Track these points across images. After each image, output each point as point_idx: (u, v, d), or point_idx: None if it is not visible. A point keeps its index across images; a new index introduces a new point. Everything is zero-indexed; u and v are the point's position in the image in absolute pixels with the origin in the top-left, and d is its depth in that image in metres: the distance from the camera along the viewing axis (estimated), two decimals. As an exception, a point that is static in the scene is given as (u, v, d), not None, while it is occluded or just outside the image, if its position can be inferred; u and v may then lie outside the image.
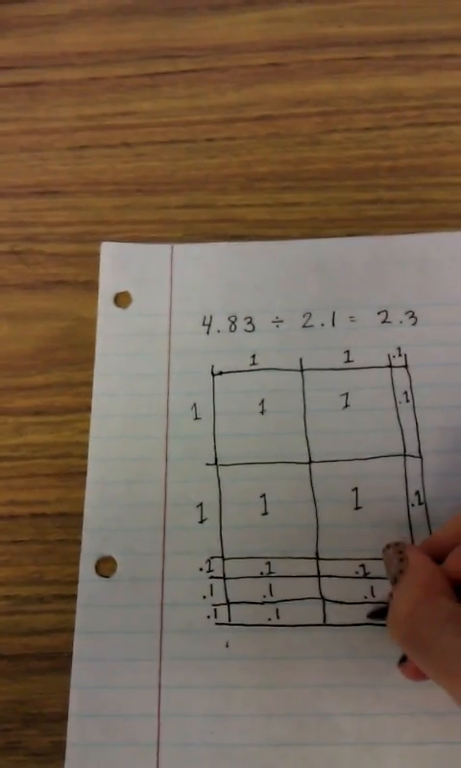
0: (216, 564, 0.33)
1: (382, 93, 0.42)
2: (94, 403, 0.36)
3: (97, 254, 0.39)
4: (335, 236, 0.39)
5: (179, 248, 0.39)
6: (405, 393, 0.35)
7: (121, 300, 0.38)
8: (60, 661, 0.32)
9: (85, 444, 0.35)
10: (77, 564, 0.33)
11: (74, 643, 0.32)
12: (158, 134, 0.42)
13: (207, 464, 0.35)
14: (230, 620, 0.32)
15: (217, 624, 0.32)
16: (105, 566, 0.33)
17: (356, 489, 0.34)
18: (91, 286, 0.39)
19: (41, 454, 0.35)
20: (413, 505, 0.33)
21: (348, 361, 0.36)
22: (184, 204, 0.40)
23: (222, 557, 0.33)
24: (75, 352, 0.37)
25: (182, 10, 0.46)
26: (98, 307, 0.38)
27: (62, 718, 0.31)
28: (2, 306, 0.39)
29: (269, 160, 0.41)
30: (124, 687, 0.31)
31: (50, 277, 0.39)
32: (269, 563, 0.33)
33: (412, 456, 0.34)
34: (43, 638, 0.32)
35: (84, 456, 0.35)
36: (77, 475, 0.35)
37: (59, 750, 0.30)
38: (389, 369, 0.36)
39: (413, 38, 0.44)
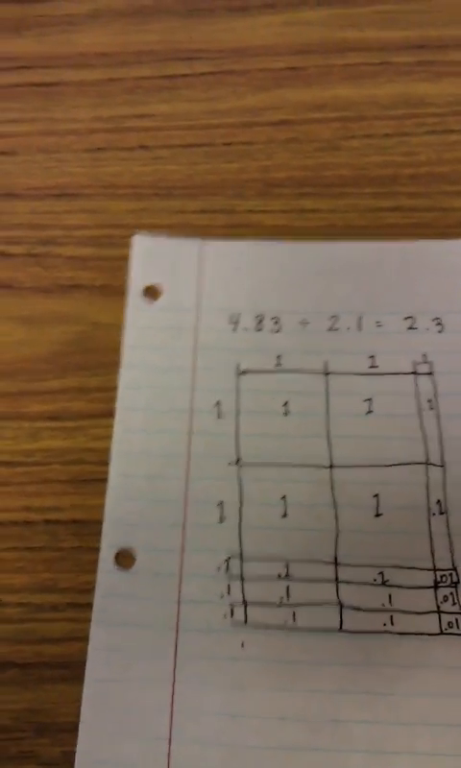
0: (234, 563, 0.33)
1: (402, 99, 0.42)
2: (119, 394, 0.36)
3: (114, 258, 0.39)
4: (356, 243, 0.38)
5: (209, 243, 0.39)
6: (429, 400, 0.35)
7: (150, 293, 0.38)
8: (73, 671, 0.32)
9: (100, 451, 0.35)
10: (91, 571, 0.33)
11: (90, 633, 0.32)
12: (176, 138, 0.42)
13: (229, 463, 0.34)
14: (246, 621, 0.32)
15: (233, 624, 0.32)
16: (124, 559, 0.33)
17: (377, 495, 0.34)
18: (108, 290, 0.39)
19: (56, 460, 0.35)
20: (434, 514, 0.33)
21: (372, 366, 0.36)
22: (201, 208, 0.40)
23: (240, 557, 0.33)
24: (90, 357, 0.37)
25: (201, 11, 0.46)
26: (127, 299, 0.38)
27: (74, 728, 0.31)
28: (18, 309, 0.38)
29: (287, 166, 0.41)
30: (138, 680, 0.31)
31: (66, 281, 0.39)
32: (287, 565, 0.33)
33: (434, 465, 0.34)
34: (56, 647, 0.32)
35: (99, 463, 0.35)
36: (91, 482, 0.35)
37: (69, 760, 0.30)
38: (414, 375, 0.36)
39: (434, 44, 0.43)
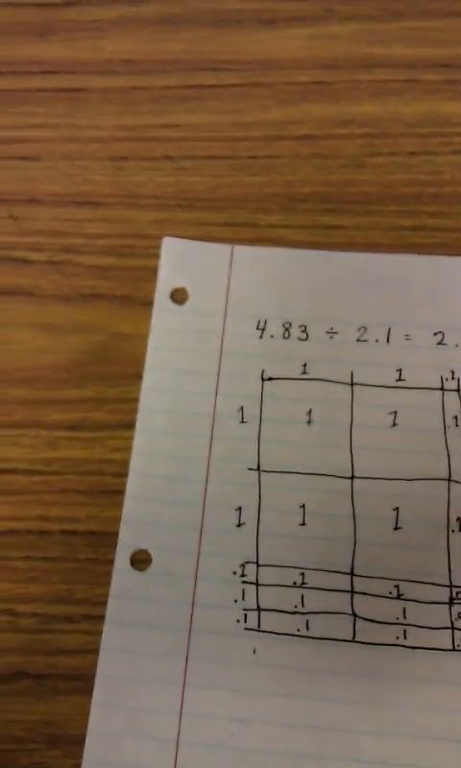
0: (250, 569, 0.33)
1: (429, 118, 0.42)
2: (142, 396, 0.36)
3: (135, 269, 0.39)
4: (377, 262, 0.38)
5: (239, 249, 0.39)
6: (455, 417, 0.35)
7: (177, 295, 0.38)
8: (86, 683, 0.32)
9: (118, 463, 0.35)
10: (106, 584, 0.33)
11: (103, 632, 0.32)
12: (201, 149, 0.42)
13: (250, 468, 0.35)
14: (259, 627, 0.32)
15: (246, 629, 0.32)
16: (140, 560, 0.33)
17: (397, 509, 0.34)
18: (128, 301, 0.39)
19: (74, 470, 0.35)
20: (454, 531, 0.33)
21: (399, 379, 0.36)
22: (224, 221, 0.40)
23: (256, 563, 0.33)
24: (109, 367, 0.37)
25: (229, 22, 0.46)
26: (154, 301, 0.38)
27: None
28: (38, 317, 0.38)
29: (311, 181, 0.41)
30: (149, 681, 0.31)
31: (87, 290, 0.39)
32: (303, 573, 0.33)
33: (457, 482, 0.34)
34: (70, 659, 0.32)
35: (116, 474, 0.35)
36: (108, 494, 0.35)
37: (81, 772, 0.30)
38: (441, 391, 0.36)
39: (461, 63, 0.43)
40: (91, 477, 0.35)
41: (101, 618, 0.33)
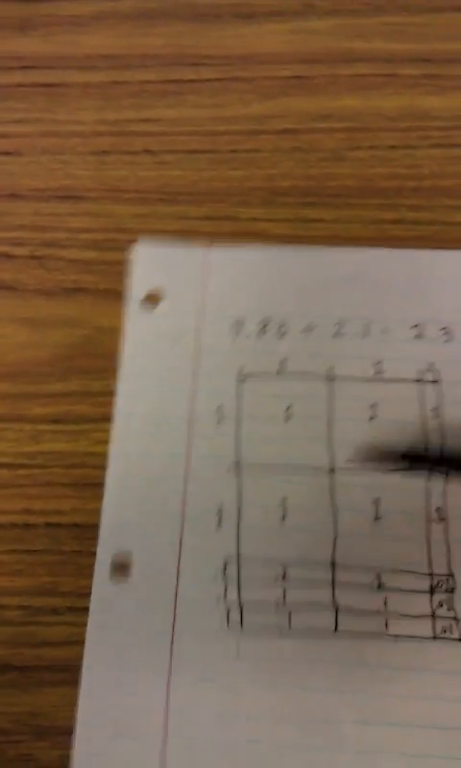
0: (231, 567, 0.33)
1: (408, 112, 0.42)
2: (118, 400, 0.36)
3: (117, 263, 0.39)
4: (357, 255, 0.39)
5: (214, 250, 0.39)
6: (434, 409, 0.35)
7: (151, 299, 0.38)
8: (72, 674, 0.32)
9: (102, 455, 0.35)
10: (91, 576, 0.33)
11: (86, 638, 0.32)
12: (181, 143, 0.42)
13: (229, 466, 0.35)
14: (242, 623, 0.32)
15: (229, 627, 0.32)
16: (121, 563, 0.33)
17: (377, 500, 0.34)
18: (111, 295, 0.39)
19: (58, 463, 0.35)
20: (433, 521, 0.33)
21: (378, 372, 0.36)
22: (205, 215, 0.40)
23: (238, 560, 0.33)
24: (93, 361, 0.37)
25: (208, 17, 0.46)
26: (128, 304, 0.38)
27: (73, 732, 0.31)
28: (21, 311, 0.38)
29: (292, 175, 0.41)
30: (134, 683, 0.31)
31: (70, 284, 0.39)
32: (285, 568, 0.33)
33: (435, 472, 0.34)
34: (56, 650, 0.32)
35: (101, 467, 0.35)
36: (92, 486, 0.35)
37: (67, 764, 0.30)
38: (419, 383, 0.36)
39: (441, 58, 0.44)
40: (75, 470, 0.35)
41: (86, 610, 0.33)
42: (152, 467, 0.35)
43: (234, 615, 0.32)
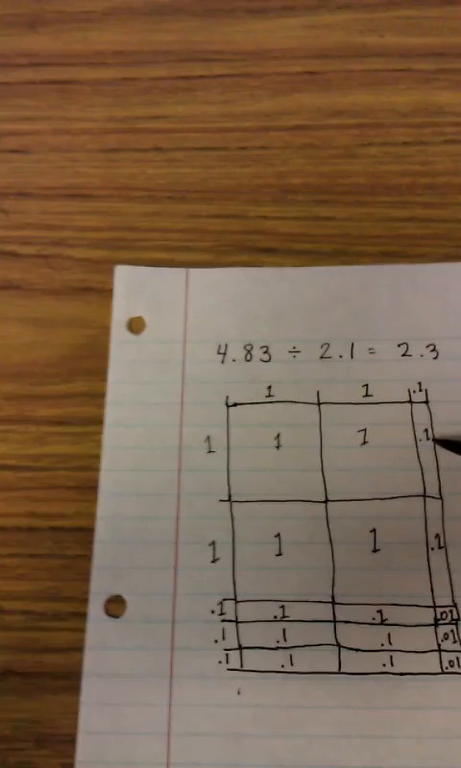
0: (228, 606, 0.32)
1: (422, 107, 0.41)
2: (106, 433, 0.35)
3: (126, 262, 0.39)
4: (369, 254, 0.38)
5: (194, 272, 0.38)
6: (426, 430, 0.34)
7: (134, 325, 0.37)
8: (74, 681, 0.31)
9: (107, 458, 0.35)
10: (95, 580, 0.33)
11: (82, 685, 0.31)
12: (191, 140, 0.42)
13: (221, 500, 0.34)
14: (242, 666, 0.31)
15: (229, 670, 0.31)
16: (114, 606, 0.32)
17: (374, 530, 0.33)
18: (118, 294, 0.38)
19: (62, 466, 0.35)
20: (433, 549, 0.33)
21: (366, 395, 0.35)
22: (215, 213, 0.40)
23: (234, 599, 0.32)
24: (99, 362, 0.37)
25: (220, 12, 0.45)
26: (111, 333, 0.37)
27: (75, 740, 0.30)
28: (28, 311, 0.38)
29: (303, 172, 0.40)
30: (132, 733, 0.30)
31: (77, 284, 0.38)
32: (283, 606, 0.32)
33: (432, 497, 0.33)
34: (58, 657, 0.32)
35: (106, 470, 0.34)
36: (97, 489, 0.34)
37: (69, 773, 0.30)
38: (409, 404, 0.35)
39: (455, 52, 0.43)
40: (80, 473, 0.35)
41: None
42: (142, 504, 0.34)
43: (234, 658, 0.31)
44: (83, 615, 0.32)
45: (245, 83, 0.43)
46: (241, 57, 0.44)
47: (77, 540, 0.34)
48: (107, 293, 0.38)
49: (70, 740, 0.30)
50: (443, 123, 0.41)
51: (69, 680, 0.31)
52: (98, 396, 0.36)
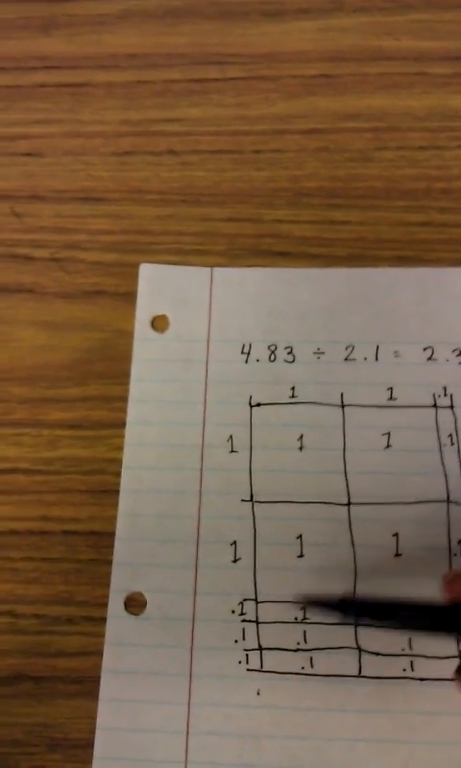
0: (249, 606, 0.32)
1: (438, 111, 0.41)
2: (128, 431, 0.35)
3: (138, 265, 0.38)
4: (384, 258, 0.38)
5: (219, 271, 0.38)
6: (450, 435, 0.34)
7: (158, 323, 0.37)
8: (87, 686, 0.31)
9: (120, 461, 0.35)
10: (107, 585, 0.33)
11: (101, 682, 0.31)
12: (205, 143, 0.42)
13: (243, 500, 0.34)
14: (262, 667, 0.31)
15: (249, 670, 0.31)
16: (134, 603, 0.32)
17: (397, 534, 0.33)
18: (131, 298, 0.38)
19: (75, 469, 0.35)
20: (455, 555, 0.32)
21: (391, 398, 0.35)
22: (229, 216, 0.40)
23: (255, 599, 0.32)
24: (112, 366, 0.37)
25: (234, 15, 0.45)
26: (134, 330, 0.37)
27: (88, 745, 0.30)
28: (41, 314, 0.38)
29: (317, 176, 0.40)
30: (151, 731, 0.30)
31: (90, 287, 0.38)
32: (304, 608, 0.32)
33: (456, 503, 0.33)
34: (71, 661, 0.32)
35: (118, 473, 0.35)
36: (110, 493, 0.34)
37: (82, 778, 0.30)
38: (434, 409, 0.35)
39: (471, 56, 0.42)
40: (93, 476, 0.35)
41: (102, 620, 0.32)
42: (163, 502, 0.34)
43: (254, 659, 0.31)
44: (96, 620, 0.32)
45: (259, 85, 0.43)
46: (255, 59, 0.43)
47: (90, 544, 0.33)
48: (119, 296, 0.38)
49: (83, 745, 0.30)
50: (459, 127, 0.41)
51: (82, 684, 0.31)
52: (111, 400, 0.36)
